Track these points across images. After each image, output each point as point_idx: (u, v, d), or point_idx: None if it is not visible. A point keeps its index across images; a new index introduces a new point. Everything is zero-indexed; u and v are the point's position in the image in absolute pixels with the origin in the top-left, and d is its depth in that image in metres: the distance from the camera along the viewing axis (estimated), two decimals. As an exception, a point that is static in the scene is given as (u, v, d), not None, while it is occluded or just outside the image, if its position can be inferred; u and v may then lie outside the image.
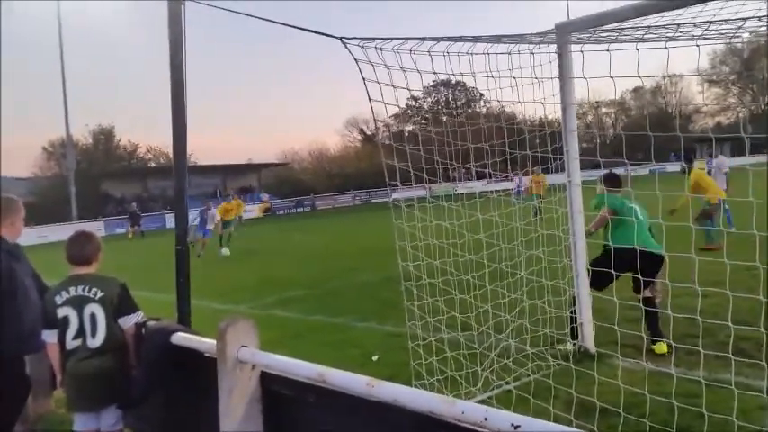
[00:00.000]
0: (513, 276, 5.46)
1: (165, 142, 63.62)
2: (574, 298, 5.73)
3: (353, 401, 2.29)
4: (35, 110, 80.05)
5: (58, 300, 3.50)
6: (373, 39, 4.21)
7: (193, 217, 17.46)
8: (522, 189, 18.42)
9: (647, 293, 5.56)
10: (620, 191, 6.11)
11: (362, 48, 4.22)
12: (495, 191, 5.65)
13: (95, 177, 54.92)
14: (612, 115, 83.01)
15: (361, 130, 75.81)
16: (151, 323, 3.72)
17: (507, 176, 5.85)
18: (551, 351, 5.48)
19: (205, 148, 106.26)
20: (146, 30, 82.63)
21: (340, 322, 8.17)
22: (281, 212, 51.30)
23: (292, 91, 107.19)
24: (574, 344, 5.66)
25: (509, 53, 5.06)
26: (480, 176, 5.84)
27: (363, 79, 4.26)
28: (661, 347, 5.44)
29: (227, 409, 2.74)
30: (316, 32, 4.18)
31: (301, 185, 62.51)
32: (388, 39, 4.23)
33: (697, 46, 4.44)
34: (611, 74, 4.52)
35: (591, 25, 4.85)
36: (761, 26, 4.22)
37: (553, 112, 5.68)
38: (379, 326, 7.62)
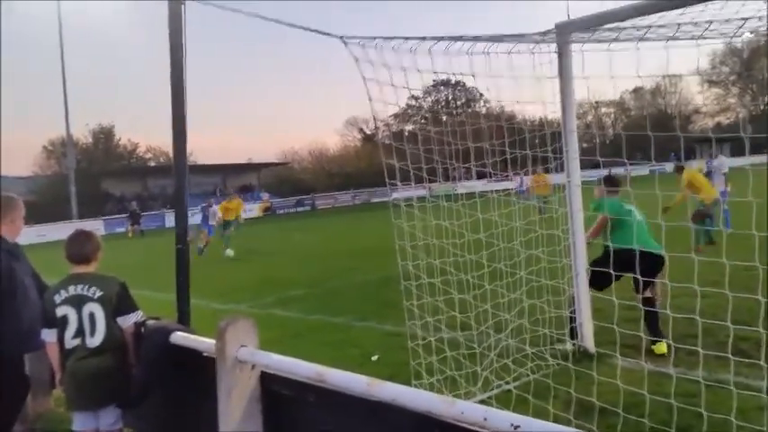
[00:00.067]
0: (512, 276, 5.45)
1: (164, 141, 63.75)
2: (573, 298, 5.73)
3: (353, 401, 2.29)
4: (35, 109, 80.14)
5: (58, 299, 3.50)
6: (374, 38, 4.22)
7: (196, 216, 17.49)
8: (524, 189, 18.39)
9: (648, 294, 5.56)
10: (619, 192, 6.13)
11: (363, 47, 4.22)
12: (495, 190, 5.64)
13: (95, 176, 54.92)
14: (612, 115, 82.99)
15: (361, 130, 75.81)
16: (150, 322, 3.72)
17: (507, 176, 5.84)
18: (551, 351, 5.48)
19: (205, 147, 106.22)
20: (146, 29, 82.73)
21: (340, 322, 8.17)
22: (281, 212, 51.28)
23: (292, 90, 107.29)
24: (573, 344, 5.66)
25: (509, 53, 5.06)
26: (480, 176, 5.83)
27: (363, 78, 4.26)
28: (661, 347, 5.45)
29: (226, 408, 2.74)
30: (316, 31, 4.18)
31: (301, 185, 62.52)
32: (389, 38, 4.23)
33: (697, 45, 4.45)
34: (612, 74, 4.52)
35: (591, 25, 4.85)
36: (761, 26, 4.22)
37: (552, 111, 5.69)
38: (379, 325, 7.62)
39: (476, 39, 4.64)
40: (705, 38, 4.49)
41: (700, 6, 3.92)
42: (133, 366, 3.65)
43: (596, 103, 75.85)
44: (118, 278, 3.68)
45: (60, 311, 3.49)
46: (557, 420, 3.93)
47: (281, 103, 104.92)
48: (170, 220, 37.93)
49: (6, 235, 3.92)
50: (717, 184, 13.50)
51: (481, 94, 63.82)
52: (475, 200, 5.42)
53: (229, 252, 17.25)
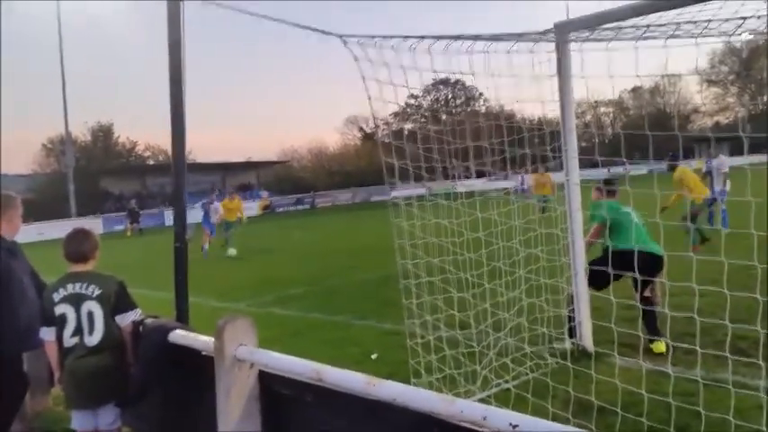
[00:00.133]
0: (511, 275, 5.45)
1: (163, 140, 63.71)
2: (571, 297, 5.73)
3: (352, 400, 2.30)
4: (34, 107, 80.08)
5: (56, 297, 3.50)
6: (373, 37, 4.22)
7: (194, 212, 17.38)
8: (526, 188, 18.34)
9: (647, 293, 5.57)
10: (616, 195, 6.17)
11: (362, 46, 4.22)
12: (495, 189, 5.64)
13: (94, 174, 54.85)
14: (611, 115, 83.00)
15: (361, 128, 75.78)
16: (149, 321, 3.72)
17: (506, 175, 5.84)
18: (549, 350, 5.48)
19: (205, 146, 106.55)
20: (145, 27, 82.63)
21: (339, 320, 8.17)
22: (281, 210, 51.26)
23: (292, 89, 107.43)
24: (572, 343, 5.67)
25: (508, 52, 5.06)
26: (480, 175, 5.84)
27: (363, 77, 4.26)
28: (659, 346, 5.45)
29: (224, 407, 2.74)
30: (315, 30, 4.18)
31: (301, 183, 62.49)
32: (388, 37, 4.23)
33: (696, 45, 4.45)
34: (610, 73, 4.52)
35: (590, 24, 4.85)
36: (760, 25, 4.22)
37: (551, 110, 5.69)
38: (379, 324, 7.62)
39: (475, 38, 4.64)
40: (704, 36, 4.49)
41: (698, 6, 3.92)
42: (131, 365, 3.65)
43: (595, 102, 75.85)
44: (116, 277, 3.68)
45: (59, 310, 3.49)
46: (555, 419, 3.93)
47: (281, 101, 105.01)
48: (169, 218, 37.91)
49: (5, 233, 3.92)
50: (717, 183, 13.49)
51: (480, 93, 63.92)
52: (474, 199, 5.42)
53: (232, 251, 17.19)
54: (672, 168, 11.30)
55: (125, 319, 3.60)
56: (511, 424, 1.70)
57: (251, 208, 45.22)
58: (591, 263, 5.70)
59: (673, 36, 4.56)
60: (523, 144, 5.47)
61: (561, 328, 5.71)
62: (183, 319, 4.07)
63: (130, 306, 3.65)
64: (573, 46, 5.41)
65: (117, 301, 3.57)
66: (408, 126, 61.46)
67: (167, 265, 4.22)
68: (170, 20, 3.89)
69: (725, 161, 13.67)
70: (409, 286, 4.98)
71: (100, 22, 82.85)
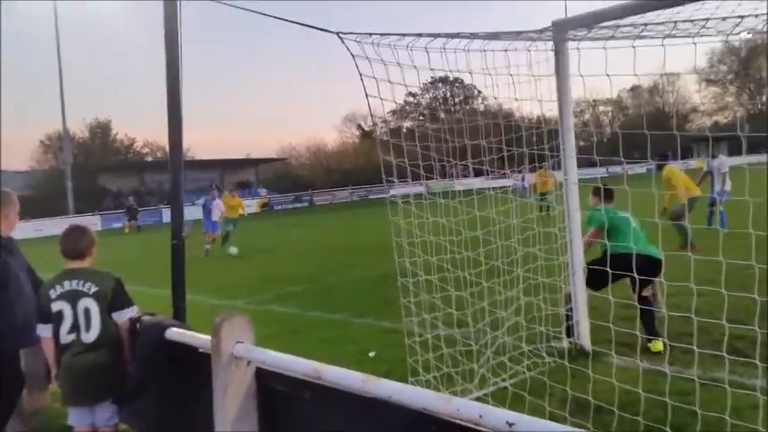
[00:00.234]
0: (509, 274, 5.45)
1: (162, 136, 63.51)
2: (569, 296, 5.74)
3: (349, 398, 2.30)
4: (32, 104, 79.98)
5: (53, 294, 3.50)
6: (370, 34, 4.21)
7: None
8: (527, 186, 18.29)
9: (645, 293, 5.59)
10: (613, 200, 6.21)
11: (359, 43, 4.21)
12: (493, 188, 5.64)
13: (92, 171, 54.80)
14: (610, 113, 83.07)
15: (360, 126, 75.79)
16: (146, 318, 3.72)
17: (504, 173, 5.84)
18: (547, 348, 5.48)
19: (203, 143, 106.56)
20: (143, 23, 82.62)
21: (337, 318, 8.17)
22: (279, 208, 51.26)
23: (291, 87, 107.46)
24: (570, 342, 5.67)
25: (506, 50, 5.06)
26: (478, 173, 5.84)
27: (360, 75, 4.25)
28: (656, 345, 5.46)
29: (221, 405, 2.73)
30: (313, 27, 4.17)
31: (299, 181, 62.49)
32: (385, 34, 4.22)
33: (694, 44, 4.44)
34: (609, 72, 4.52)
35: (588, 23, 4.84)
36: (758, 25, 4.22)
37: (549, 109, 5.69)
38: (377, 322, 7.62)
39: (473, 36, 4.63)
40: (702, 36, 4.49)
41: (696, 5, 3.92)
42: (128, 362, 3.65)
43: (594, 101, 75.93)
44: (113, 273, 3.68)
45: (55, 307, 3.48)
46: (552, 418, 3.94)
47: (280, 99, 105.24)
48: (167, 215, 37.65)
49: (2, 231, 3.91)
50: (716, 183, 13.50)
51: (479, 92, 63.84)
52: (472, 197, 5.42)
53: (233, 250, 17.09)
54: (660, 168, 11.27)
55: (122, 316, 3.60)
56: (507, 422, 1.70)
57: (249, 205, 45.23)
58: (589, 263, 5.72)
59: (670, 36, 4.55)
60: (521, 143, 5.47)
61: (559, 326, 5.71)
62: (180, 316, 4.07)
63: (127, 303, 3.65)
64: (571, 45, 5.40)
65: (114, 298, 3.57)
66: (407, 124, 61.47)
67: (165, 262, 4.22)
68: (167, 15, 3.88)
69: (725, 161, 13.65)
70: (407, 284, 4.98)
71: (98, 18, 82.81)
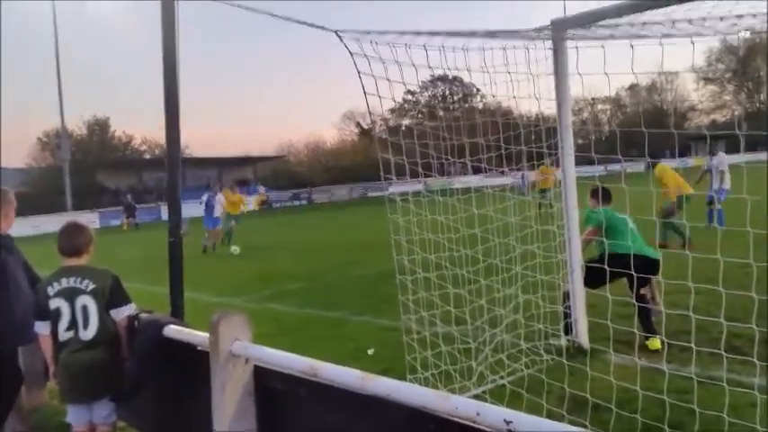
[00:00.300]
0: (507, 271, 5.46)
1: (160, 133, 63.32)
2: (567, 293, 5.74)
3: (347, 395, 2.30)
4: (30, 101, 79.86)
5: (50, 291, 3.49)
6: (368, 32, 4.20)
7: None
8: (526, 183, 18.21)
9: (642, 291, 5.60)
10: (611, 203, 6.23)
11: (358, 41, 4.21)
12: (491, 186, 5.64)
13: (90, 168, 54.70)
14: (608, 112, 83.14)
15: (358, 124, 75.77)
16: (144, 316, 3.71)
17: (503, 171, 5.84)
18: (545, 346, 5.49)
19: (202, 141, 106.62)
20: (142, 20, 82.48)
21: (336, 316, 8.17)
22: (278, 205, 51.22)
23: (289, 84, 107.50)
24: (568, 339, 5.68)
25: (504, 48, 5.05)
26: (476, 171, 5.84)
27: (359, 72, 4.25)
28: (654, 343, 5.47)
29: (219, 402, 2.73)
30: (311, 25, 4.16)
31: (298, 178, 62.40)
32: (384, 32, 4.22)
33: (692, 43, 4.44)
34: (608, 70, 4.51)
35: (586, 21, 4.84)
36: (756, 24, 4.22)
37: (548, 107, 5.68)
38: (375, 320, 7.63)
39: (471, 34, 4.63)
40: (700, 35, 4.49)
41: (693, 4, 3.92)
42: (126, 359, 3.64)
43: (593, 99, 75.98)
44: (110, 271, 3.67)
45: (53, 304, 3.48)
46: (550, 415, 3.94)
47: (279, 96, 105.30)
48: (166, 213, 37.77)
49: (1, 229, 3.91)
50: (715, 181, 13.52)
51: (478, 90, 63.82)
52: (470, 195, 5.42)
53: (235, 249, 17.01)
54: (651, 166, 11.23)
55: (120, 314, 3.60)
56: (505, 420, 1.70)
57: (248, 203, 45.20)
58: (587, 262, 5.73)
59: (668, 35, 4.55)
60: (520, 141, 5.47)
61: (557, 324, 5.71)
62: (178, 314, 4.07)
63: (125, 300, 3.64)
64: (570, 43, 5.40)
65: (111, 296, 3.56)
66: (406, 122, 61.46)
67: (163, 259, 4.21)
68: (164, 18, 3.88)
69: (724, 158, 13.67)
70: (406, 282, 4.98)
71: (96, 15, 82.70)
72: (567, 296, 5.76)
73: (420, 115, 66.62)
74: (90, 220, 36.86)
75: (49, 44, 44.76)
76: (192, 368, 3.27)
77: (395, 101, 4.70)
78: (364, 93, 4.33)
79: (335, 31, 4.13)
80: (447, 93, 76.85)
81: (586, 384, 4.31)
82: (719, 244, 3.61)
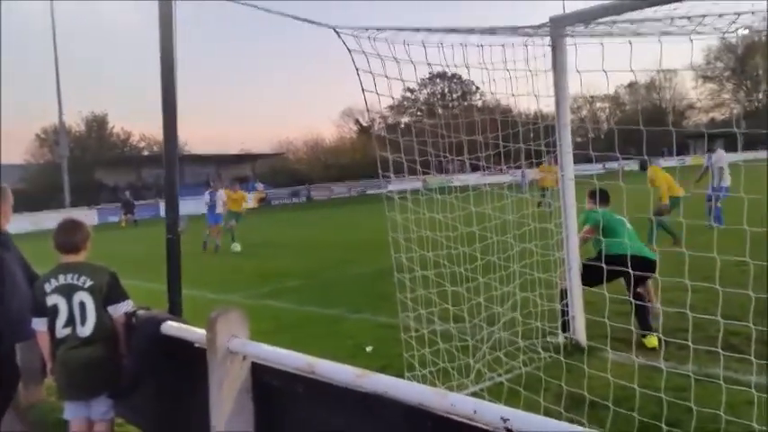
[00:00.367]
0: (505, 269, 5.46)
1: (158, 130, 63.42)
2: (565, 291, 5.75)
3: (344, 393, 2.30)
4: (28, 96, 79.74)
5: (47, 288, 3.49)
6: (366, 28, 4.19)
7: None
8: (527, 181, 18.12)
9: (638, 289, 5.61)
10: (609, 204, 6.24)
11: (355, 37, 4.20)
12: (490, 183, 5.64)
13: (88, 165, 54.63)
14: (607, 110, 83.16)
15: (357, 121, 75.71)
16: (141, 312, 3.71)
17: (501, 169, 5.84)
18: (543, 344, 5.50)
19: (200, 137, 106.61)
20: (140, 16, 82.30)
21: (334, 313, 8.18)
22: (276, 203, 51.17)
23: (289, 84, 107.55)
24: (565, 337, 5.69)
25: (503, 45, 5.05)
26: (475, 169, 5.85)
27: (356, 69, 4.24)
28: (651, 341, 5.48)
29: (217, 399, 2.73)
30: (310, 22, 4.16)
31: (296, 175, 62.34)
32: (382, 29, 4.21)
33: (691, 40, 4.44)
34: (607, 68, 4.51)
35: (585, 18, 4.84)
36: (754, 22, 4.22)
37: (547, 105, 5.68)
38: (373, 317, 7.63)
39: (469, 31, 4.63)
40: (699, 32, 4.49)
41: (692, 2, 3.92)
42: (124, 356, 3.64)
43: (591, 97, 75.99)
44: (108, 267, 3.67)
45: (50, 300, 3.47)
46: (548, 413, 3.95)
47: (279, 96, 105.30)
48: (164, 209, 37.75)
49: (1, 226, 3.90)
50: (714, 178, 13.53)
51: (477, 87, 63.83)
52: (468, 193, 5.42)
53: (236, 247, 16.96)
54: (643, 167, 11.21)
55: (117, 310, 3.60)
56: (502, 418, 1.70)
57: (247, 200, 45.13)
58: (585, 259, 5.74)
59: (667, 32, 4.55)
60: (518, 138, 5.47)
61: (555, 322, 5.73)
62: (175, 311, 4.06)
63: (122, 297, 3.64)
64: (568, 40, 5.40)
65: (109, 292, 3.56)
66: (405, 119, 61.44)
67: (162, 256, 4.21)
68: (161, 18, 3.88)
69: (723, 156, 13.67)
70: (403, 280, 4.98)
71: (94, 11, 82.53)
72: (564, 294, 5.77)
73: (419, 113, 66.60)
74: (88, 216, 36.82)
75: (48, 40, 44.71)
76: (189, 365, 3.26)
77: (393, 98, 4.73)
78: (362, 90, 4.32)
79: (333, 28, 4.13)
80: (446, 90, 76.81)
81: (584, 382, 4.32)
82: (716, 242, 3.62)
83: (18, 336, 3.90)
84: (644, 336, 5.52)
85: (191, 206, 25.56)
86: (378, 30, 4.21)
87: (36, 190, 45.52)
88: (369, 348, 6.23)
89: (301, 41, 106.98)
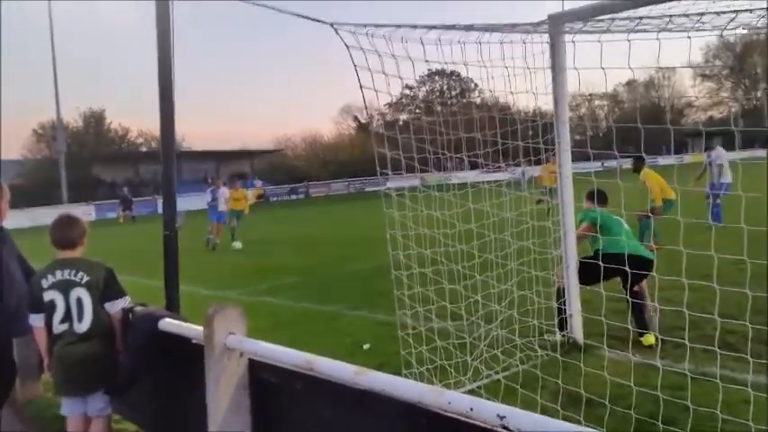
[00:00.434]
0: (503, 267, 5.47)
1: (157, 126, 63.42)
2: (562, 289, 5.76)
3: (341, 390, 2.30)
4: (25, 92, 79.49)
5: (44, 283, 3.48)
6: (365, 25, 4.19)
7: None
8: (526, 179, 18.09)
9: (635, 288, 5.62)
10: (606, 204, 6.24)
11: (354, 34, 4.19)
12: (488, 181, 5.64)
13: (86, 161, 54.54)
14: (606, 108, 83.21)
15: (356, 118, 75.61)
16: (138, 309, 3.71)
17: (499, 167, 5.84)
18: (540, 342, 5.50)
19: (199, 137, 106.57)
20: (138, 12, 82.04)
21: (332, 310, 8.18)
22: (275, 199, 51.15)
23: (289, 84, 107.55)
24: (562, 335, 5.69)
25: (501, 42, 5.04)
26: (474, 166, 5.84)
27: (355, 66, 4.24)
28: (648, 339, 5.49)
29: (214, 396, 2.73)
30: (307, 18, 4.15)
31: (295, 172, 62.32)
32: (380, 25, 4.20)
33: (689, 38, 4.44)
34: (606, 66, 4.50)
35: (584, 16, 4.83)
36: (753, 20, 4.21)
37: (545, 103, 5.68)
38: (371, 314, 7.63)
39: (468, 27, 4.62)
40: (698, 29, 4.48)
41: (689, 2, 3.92)
42: (121, 352, 3.64)
43: (590, 95, 76.02)
44: (105, 263, 3.66)
45: (47, 296, 3.47)
46: (544, 411, 3.95)
47: (279, 96, 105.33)
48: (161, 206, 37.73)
49: (-4, 221, 3.89)
50: (714, 175, 13.55)
51: (476, 85, 63.79)
52: (466, 190, 5.42)
53: (237, 244, 16.93)
54: (636, 169, 11.10)
55: (114, 306, 3.59)
56: (498, 415, 1.70)
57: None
58: (582, 259, 5.74)
59: (665, 29, 4.55)
60: (517, 136, 5.46)
61: (552, 320, 5.73)
62: (173, 307, 4.06)
63: (120, 293, 3.64)
64: (567, 38, 5.39)
65: (106, 288, 3.55)
66: (403, 116, 61.38)
67: (159, 252, 4.20)
68: (159, 18, 3.88)
69: (722, 153, 13.69)
70: (401, 277, 4.98)
71: (92, 6, 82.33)
72: (561, 292, 5.77)
73: (417, 110, 66.56)
74: (86, 212, 36.79)
75: (44, 33, 44.59)
76: (186, 362, 3.26)
77: (391, 95, 4.69)
78: (360, 86, 4.32)
79: (331, 24, 4.12)
80: (444, 87, 76.78)
81: (580, 380, 4.33)
82: (713, 241, 3.62)
83: (15, 331, 3.89)
84: (641, 334, 5.53)
85: (188, 202, 25.51)
86: (376, 26, 4.21)
87: (33, 185, 45.45)
88: (366, 346, 6.23)
89: (301, 41, 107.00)
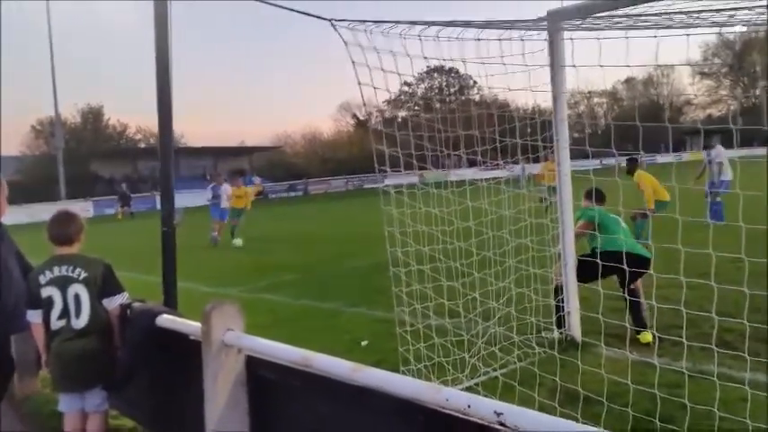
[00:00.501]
0: (501, 264, 5.47)
1: (155, 122, 63.35)
2: (560, 287, 5.76)
3: (339, 386, 2.30)
4: (24, 88, 79.35)
5: (42, 280, 3.48)
6: (363, 21, 4.18)
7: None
8: (525, 176, 18.03)
9: (632, 286, 5.63)
10: (605, 203, 6.25)
11: (352, 31, 4.18)
12: (486, 179, 5.64)
13: (84, 157, 54.47)
14: (604, 105, 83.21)
15: (354, 115, 75.55)
16: (136, 305, 3.71)
17: (498, 164, 5.84)
18: (537, 339, 5.51)
19: (199, 134, 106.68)
20: (137, 8, 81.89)
21: (330, 307, 8.18)
22: (273, 196, 51.11)
23: (286, 75, 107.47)
24: (560, 332, 5.70)
25: (500, 39, 5.03)
26: (472, 164, 5.84)
27: (353, 63, 4.23)
28: (646, 337, 5.50)
29: (212, 392, 2.73)
30: (306, 14, 4.14)
31: (294, 169, 62.30)
32: (379, 22, 4.19)
33: (687, 35, 4.43)
34: (604, 63, 4.50)
35: (583, 13, 4.82)
36: (752, 17, 4.21)
37: (544, 100, 5.68)
38: (369, 311, 7.64)
39: (467, 24, 4.61)
40: (697, 26, 4.48)
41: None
42: (118, 348, 3.64)
43: (589, 92, 76.01)
44: (103, 259, 3.66)
45: (45, 292, 3.47)
46: (542, 408, 3.96)
47: (275, 86, 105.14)
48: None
49: (-7, 216, 3.88)
50: (714, 173, 13.56)
51: (474, 82, 63.70)
52: (465, 187, 5.42)
53: (237, 242, 16.88)
54: (630, 171, 11.05)
55: (112, 303, 3.59)
56: (496, 412, 1.70)
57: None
58: (580, 257, 5.75)
59: (664, 27, 4.54)
60: (516, 134, 5.46)
61: (550, 317, 5.73)
62: (171, 303, 4.06)
63: (117, 289, 3.63)
64: (565, 35, 5.38)
65: (103, 284, 3.55)
66: (402, 113, 61.36)
67: (158, 249, 4.20)
68: (157, 17, 3.87)
69: (722, 151, 13.70)
70: (399, 274, 4.98)
71: (91, 11, 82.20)
72: (559, 290, 5.78)
73: (416, 107, 66.55)
74: (84, 208, 36.78)
75: (42, 30, 44.48)
76: (184, 358, 3.26)
77: (390, 92, 4.68)
78: (359, 83, 4.31)
79: (330, 20, 4.11)
80: (443, 85, 76.70)
81: (578, 377, 4.33)
82: (711, 239, 3.62)
83: (13, 327, 3.88)
84: (638, 332, 5.54)
85: (186, 199, 25.48)
86: (374, 23, 4.20)
87: (32, 182, 45.40)
88: (364, 343, 6.23)
89: (301, 41, 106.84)
